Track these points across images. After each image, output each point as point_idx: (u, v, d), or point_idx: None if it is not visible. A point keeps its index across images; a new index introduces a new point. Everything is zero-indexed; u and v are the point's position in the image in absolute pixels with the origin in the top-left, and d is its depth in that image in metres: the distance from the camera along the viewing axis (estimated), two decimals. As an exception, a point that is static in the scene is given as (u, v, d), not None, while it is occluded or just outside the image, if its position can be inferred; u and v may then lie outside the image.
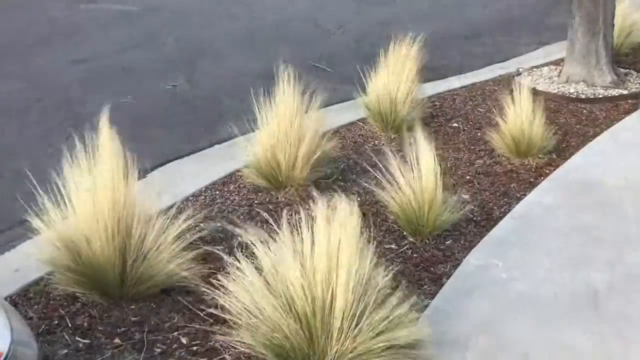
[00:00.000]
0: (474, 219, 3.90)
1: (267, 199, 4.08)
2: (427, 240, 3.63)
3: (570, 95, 6.14)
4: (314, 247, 2.54)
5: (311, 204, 3.10)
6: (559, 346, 2.79)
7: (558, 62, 7.03)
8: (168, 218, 3.17)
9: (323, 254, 2.50)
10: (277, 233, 2.61)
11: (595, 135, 5.19)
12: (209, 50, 7.95)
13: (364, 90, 5.35)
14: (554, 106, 5.78)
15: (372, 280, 2.60)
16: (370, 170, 3.97)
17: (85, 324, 2.85)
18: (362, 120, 5.37)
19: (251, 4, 10.59)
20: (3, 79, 6.66)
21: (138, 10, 9.85)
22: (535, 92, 4.87)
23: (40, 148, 4.91)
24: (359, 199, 4.04)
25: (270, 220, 3.76)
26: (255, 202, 4.05)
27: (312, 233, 2.57)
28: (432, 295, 3.14)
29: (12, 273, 3.23)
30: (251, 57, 7.64)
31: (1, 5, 10.30)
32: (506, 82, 6.50)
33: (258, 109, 4.19)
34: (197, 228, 3.49)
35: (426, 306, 3.01)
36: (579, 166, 4.59)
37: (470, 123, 5.48)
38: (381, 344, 2.48)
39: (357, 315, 2.48)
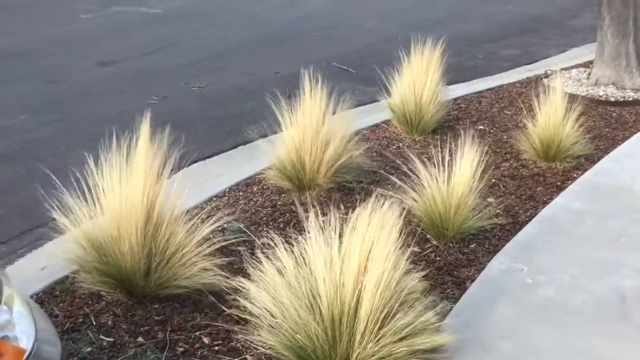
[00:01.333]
0: (499, 222, 3.85)
1: (291, 201, 4.08)
2: (451, 244, 3.59)
3: (600, 98, 6.04)
4: (346, 250, 2.52)
5: (337, 206, 3.09)
6: (586, 354, 2.74)
7: (587, 65, 6.93)
8: (192, 219, 3.19)
9: (355, 256, 2.49)
10: (301, 234, 2.61)
11: (625, 138, 5.10)
12: (232, 50, 8.00)
13: (388, 92, 5.32)
14: (583, 109, 5.67)
15: (399, 284, 2.57)
16: (395, 172, 3.94)
17: (110, 323, 2.88)
18: (387, 122, 5.35)
19: (271, 1, 10.62)
20: (27, 78, 6.78)
21: (162, 13, 9.97)
22: (563, 95, 4.79)
23: (65, 148, 4.98)
24: (382, 201, 4.01)
25: (294, 222, 3.79)
26: (279, 203, 4.06)
27: (341, 235, 2.56)
28: (456, 300, 3.10)
29: (39, 271, 3.28)
30: (274, 57, 7.67)
31: (31, 2, 10.49)
32: (534, 84, 6.43)
33: (282, 110, 4.19)
34: (220, 229, 3.51)
35: (449, 310, 2.98)
36: (608, 170, 4.50)
37: (497, 125, 5.42)
38: (403, 349, 2.46)
39: (382, 319, 2.46)
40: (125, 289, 2.97)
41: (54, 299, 3.04)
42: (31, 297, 3.02)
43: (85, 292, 3.05)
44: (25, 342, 1.81)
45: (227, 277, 3.01)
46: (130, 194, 2.91)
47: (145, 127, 3.07)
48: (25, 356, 1.75)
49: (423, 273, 2.92)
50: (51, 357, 1.90)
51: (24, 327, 1.86)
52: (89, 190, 3.04)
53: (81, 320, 2.89)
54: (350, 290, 2.47)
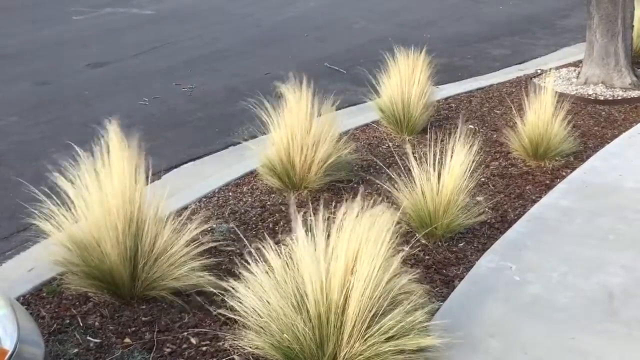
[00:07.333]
0: (488, 221, 3.86)
1: (280, 201, 4.08)
2: (439, 242, 3.60)
3: (589, 97, 6.06)
4: (334, 249, 2.51)
5: (326, 206, 3.06)
6: (573, 351, 2.74)
7: (577, 64, 6.95)
8: (180, 219, 3.18)
9: (343, 256, 2.48)
10: (290, 234, 2.61)
11: (614, 137, 5.12)
12: (224, 51, 7.98)
13: (377, 92, 5.32)
14: (572, 108, 5.70)
15: (387, 283, 2.57)
16: (384, 171, 3.94)
17: (97, 324, 2.87)
18: (377, 122, 5.35)
19: (263, 2, 10.62)
20: (17, 80, 6.75)
21: (154, 14, 9.94)
22: (553, 94, 4.80)
23: (54, 149, 4.96)
24: (371, 200, 4.01)
25: (283, 222, 3.79)
26: (268, 203, 4.05)
27: (329, 235, 2.55)
28: (444, 298, 3.10)
29: (26, 273, 3.26)
30: (266, 57, 7.66)
31: (23, 4, 10.46)
32: (524, 84, 6.44)
33: (272, 111, 4.19)
34: (209, 229, 3.51)
35: (438, 309, 2.98)
36: (596, 169, 4.52)
37: (487, 125, 5.43)
38: (391, 349, 2.46)
39: (369, 318, 2.46)
40: (112, 290, 2.96)
41: (40, 301, 3.03)
42: (18, 298, 3.01)
43: (73, 293, 3.03)
44: (8, 343, 1.80)
45: (215, 278, 3.00)
46: (114, 195, 2.90)
47: (133, 128, 3.07)
48: (7, 357, 1.74)
49: (411, 272, 2.92)
50: (34, 358, 1.89)
51: (7, 328, 1.85)
52: (76, 191, 3.03)
53: (68, 321, 2.88)
54: (338, 290, 2.47)
